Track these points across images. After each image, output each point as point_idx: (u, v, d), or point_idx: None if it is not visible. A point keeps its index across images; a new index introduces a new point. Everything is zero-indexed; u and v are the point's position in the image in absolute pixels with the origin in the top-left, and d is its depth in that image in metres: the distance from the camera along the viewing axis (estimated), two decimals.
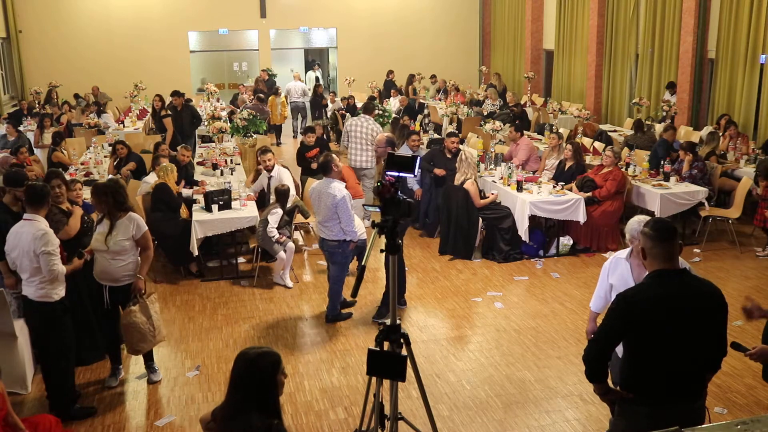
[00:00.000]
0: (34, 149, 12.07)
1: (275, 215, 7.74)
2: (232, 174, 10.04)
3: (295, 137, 18.01)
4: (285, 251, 7.74)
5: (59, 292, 5.12)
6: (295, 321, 7.00)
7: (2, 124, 13.24)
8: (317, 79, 19.88)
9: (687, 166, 9.35)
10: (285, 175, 8.65)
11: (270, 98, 16.69)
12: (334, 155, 6.69)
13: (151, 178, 8.61)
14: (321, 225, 6.65)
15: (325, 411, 5.31)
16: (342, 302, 7.03)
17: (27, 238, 4.94)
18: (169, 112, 12.74)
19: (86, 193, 6.62)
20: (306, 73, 21.92)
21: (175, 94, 13.18)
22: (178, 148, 9.73)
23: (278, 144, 16.94)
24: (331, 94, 18.26)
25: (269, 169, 8.62)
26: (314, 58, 23.71)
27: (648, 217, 4.38)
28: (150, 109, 12.77)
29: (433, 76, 19.91)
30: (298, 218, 8.42)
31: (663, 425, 3.09)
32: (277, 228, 7.77)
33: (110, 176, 9.77)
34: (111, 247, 5.35)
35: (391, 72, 19.43)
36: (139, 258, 5.53)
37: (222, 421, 3.10)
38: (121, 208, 5.40)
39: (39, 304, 5.06)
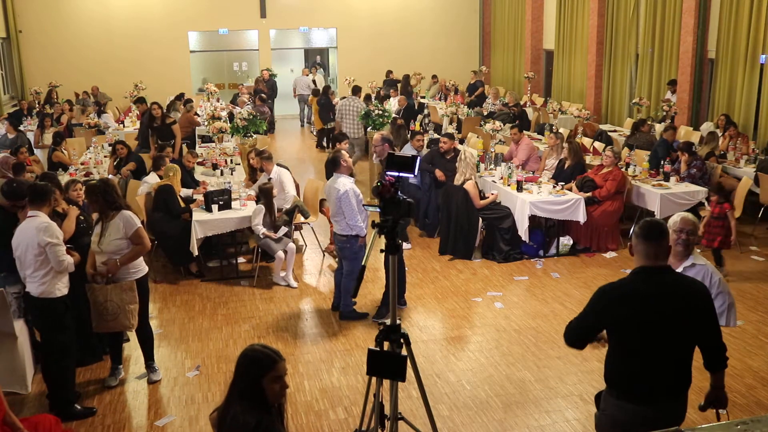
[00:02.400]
0: (34, 149, 12.07)
1: (259, 213, 7.74)
2: (232, 174, 10.05)
3: (302, 126, 19.39)
4: (286, 251, 7.74)
5: (62, 288, 5.13)
6: (295, 321, 7.00)
7: (2, 123, 13.22)
8: (314, 82, 19.69)
9: (684, 165, 9.36)
10: (285, 176, 8.64)
11: (310, 99, 16.64)
12: (343, 152, 6.87)
13: (151, 179, 8.60)
14: (332, 218, 6.90)
15: (325, 411, 5.31)
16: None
17: (30, 232, 4.98)
18: (174, 118, 12.42)
19: None
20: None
21: (141, 101, 13.02)
22: (184, 153, 9.73)
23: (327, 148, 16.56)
24: (332, 94, 18.20)
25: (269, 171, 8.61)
26: (314, 61, 23.40)
27: (689, 215, 4.40)
28: (146, 117, 12.05)
29: (434, 77, 19.90)
30: (298, 218, 8.41)
31: (646, 421, 3.17)
32: (275, 227, 7.78)
33: (110, 176, 9.80)
34: (104, 249, 5.35)
35: (390, 72, 19.44)
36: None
37: (219, 412, 3.15)
38: (112, 207, 5.39)
39: (41, 300, 5.07)
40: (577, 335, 3.55)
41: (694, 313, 3.37)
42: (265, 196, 7.86)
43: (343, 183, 6.64)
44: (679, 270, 4.23)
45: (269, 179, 8.60)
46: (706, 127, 12.00)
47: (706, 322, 3.42)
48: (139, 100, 13.33)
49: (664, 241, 3.40)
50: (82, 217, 5.98)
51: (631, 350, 3.39)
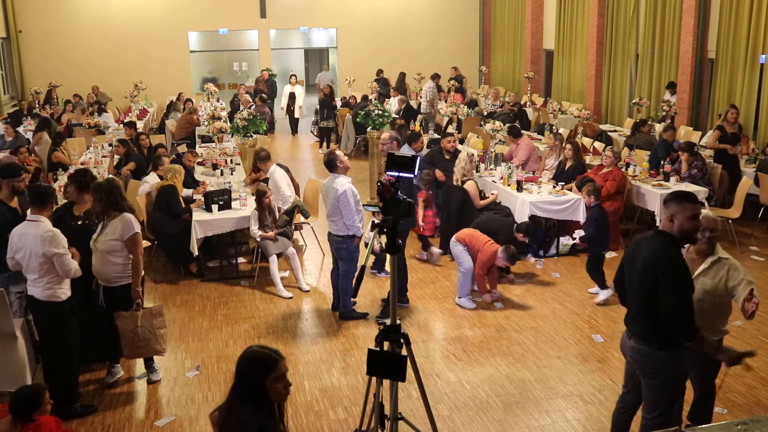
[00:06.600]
0: (34, 149, 12.05)
1: (252, 218, 7.71)
2: (232, 174, 10.04)
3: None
4: (288, 255, 7.71)
5: (66, 291, 5.14)
6: (295, 321, 7.00)
7: (1, 124, 13.21)
8: (291, 96, 18.84)
9: (685, 165, 9.36)
10: (279, 176, 8.57)
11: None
12: (338, 152, 6.82)
13: (152, 178, 8.60)
14: (328, 219, 6.84)
15: (325, 411, 5.31)
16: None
17: (34, 240, 4.95)
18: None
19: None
20: (285, 86, 19.14)
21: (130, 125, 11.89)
22: (185, 152, 9.71)
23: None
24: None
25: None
26: (291, 75, 21.57)
27: (709, 213, 4.45)
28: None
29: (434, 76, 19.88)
30: (299, 218, 8.40)
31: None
32: (278, 227, 7.77)
33: (110, 176, 9.78)
34: (99, 247, 5.37)
35: (380, 71, 19.42)
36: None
37: (221, 415, 3.14)
38: (115, 208, 5.39)
39: (46, 304, 5.07)
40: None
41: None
42: (256, 199, 7.81)
43: (341, 183, 6.62)
44: (705, 266, 4.38)
45: (266, 179, 8.56)
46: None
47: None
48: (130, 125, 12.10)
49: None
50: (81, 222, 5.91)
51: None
